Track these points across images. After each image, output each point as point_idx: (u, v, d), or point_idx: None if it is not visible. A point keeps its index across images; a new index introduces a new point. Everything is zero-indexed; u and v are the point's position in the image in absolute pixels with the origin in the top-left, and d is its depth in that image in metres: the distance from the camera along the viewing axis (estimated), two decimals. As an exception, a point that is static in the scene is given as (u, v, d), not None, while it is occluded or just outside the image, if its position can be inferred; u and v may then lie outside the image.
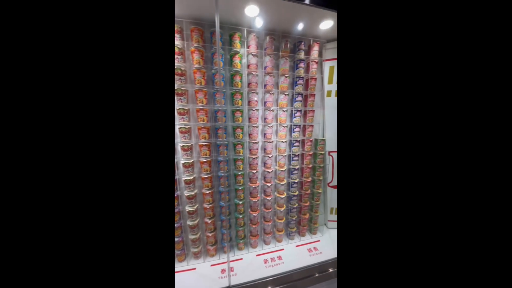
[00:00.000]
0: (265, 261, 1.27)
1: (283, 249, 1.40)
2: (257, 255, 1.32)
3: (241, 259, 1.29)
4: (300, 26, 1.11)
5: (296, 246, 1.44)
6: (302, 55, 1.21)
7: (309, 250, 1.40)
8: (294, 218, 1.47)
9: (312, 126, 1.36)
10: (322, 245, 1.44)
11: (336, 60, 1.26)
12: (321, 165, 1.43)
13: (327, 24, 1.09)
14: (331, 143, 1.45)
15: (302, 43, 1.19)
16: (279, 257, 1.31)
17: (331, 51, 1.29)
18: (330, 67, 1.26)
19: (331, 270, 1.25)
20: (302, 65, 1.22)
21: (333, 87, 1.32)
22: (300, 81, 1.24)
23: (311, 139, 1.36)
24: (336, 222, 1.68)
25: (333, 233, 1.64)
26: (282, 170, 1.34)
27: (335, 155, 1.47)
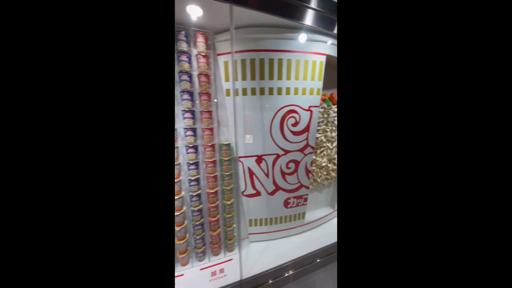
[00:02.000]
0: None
1: (182, 275, 1.19)
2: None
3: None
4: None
5: (201, 269, 1.24)
6: (183, 46, 1.04)
7: (213, 274, 1.21)
8: (199, 236, 1.27)
9: (211, 129, 1.20)
10: (233, 265, 1.27)
11: (230, 55, 1.13)
12: (228, 173, 1.27)
13: (194, 10, 0.95)
14: (239, 147, 1.30)
15: (182, 32, 1.03)
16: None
17: (226, 44, 1.15)
18: (224, 62, 1.11)
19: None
20: (184, 58, 1.05)
21: (231, 85, 1.18)
22: (185, 77, 1.07)
23: (210, 144, 1.20)
24: (260, 235, 1.54)
25: (255, 247, 1.49)
26: (176, 182, 1.15)
27: (246, 161, 1.32)
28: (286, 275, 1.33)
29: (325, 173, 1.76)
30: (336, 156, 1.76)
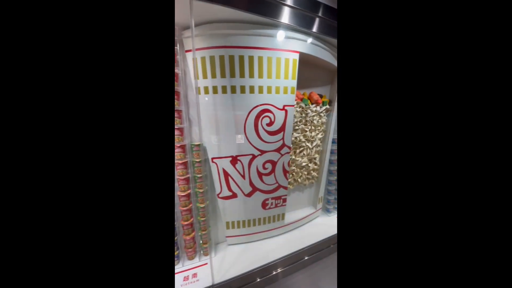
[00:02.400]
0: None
1: (152, 282, 1.14)
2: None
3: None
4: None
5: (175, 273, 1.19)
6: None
7: (185, 279, 1.16)
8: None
9: (181, 129, 1.15)
10: (207, 269, 1.23)
11: (198, 51, 1.08)
12: (200, 175, 1.22)
13: None
14: (212, 148, 1.25)
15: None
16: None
17: (199, 39, 1.09)
18: (193, 59, 1.06)
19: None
20: (147, 54, 1.00)
21: (199, 83, 1.13)
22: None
23: (180, 145, 1.15)
24: (238, 237, 1.50)
25: (232, 250, 1.45)
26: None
27: (220, 162, 1.28)
28: (263, 278, 1.30)
29: (306, 173, 1.74)
30: (316, 156, 1.75)
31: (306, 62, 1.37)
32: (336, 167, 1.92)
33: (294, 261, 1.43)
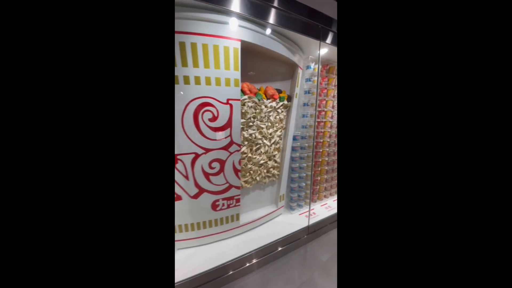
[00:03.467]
0: None
1: None
2: None
3: None
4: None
5: None
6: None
7: None
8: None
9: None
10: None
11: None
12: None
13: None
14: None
15: None
16: None
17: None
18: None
19: None
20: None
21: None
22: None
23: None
24: (187, 241, 1.40)
25: (181, 255, 1.33)
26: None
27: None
28: (210, 281, 1.23)
29: (265, 171, 1.68)
30: (276, 153, 1.69)
31: (260, 54, 1.28)
32: (298, 165, 1.89)
33: (244, 264, 1.38)
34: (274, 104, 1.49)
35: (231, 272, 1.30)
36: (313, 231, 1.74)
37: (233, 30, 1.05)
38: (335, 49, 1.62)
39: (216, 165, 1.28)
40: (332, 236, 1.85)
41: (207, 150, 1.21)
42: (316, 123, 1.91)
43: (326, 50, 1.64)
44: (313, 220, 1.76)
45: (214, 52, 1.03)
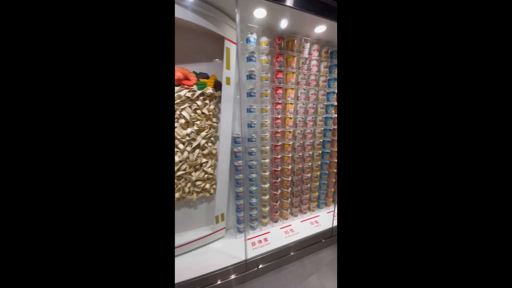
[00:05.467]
0: None
1: None
2: None
3: None
4: None
5: None
6: None
7: None
8: None
9: None
10: None
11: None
12: None
13: None
14: None
15: None
16: None
17: None
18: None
19: None
20: None
21: None
22: None
23: None
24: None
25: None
26: None
27: None
28: None
29: (189, 184, 1.26)
30: (204, 161, 1.25)
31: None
32: (244, 175, 1.43)
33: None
34: (186, 93, 1.05)
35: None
36: (254, 267, 1.25)
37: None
38: (292, 11, 1.10)
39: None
40: (284, 273, 1.28)
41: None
42: (273, 120, 1.43)
43: (275, 12, 1.12)
44: (261, 250, 1.31)
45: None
